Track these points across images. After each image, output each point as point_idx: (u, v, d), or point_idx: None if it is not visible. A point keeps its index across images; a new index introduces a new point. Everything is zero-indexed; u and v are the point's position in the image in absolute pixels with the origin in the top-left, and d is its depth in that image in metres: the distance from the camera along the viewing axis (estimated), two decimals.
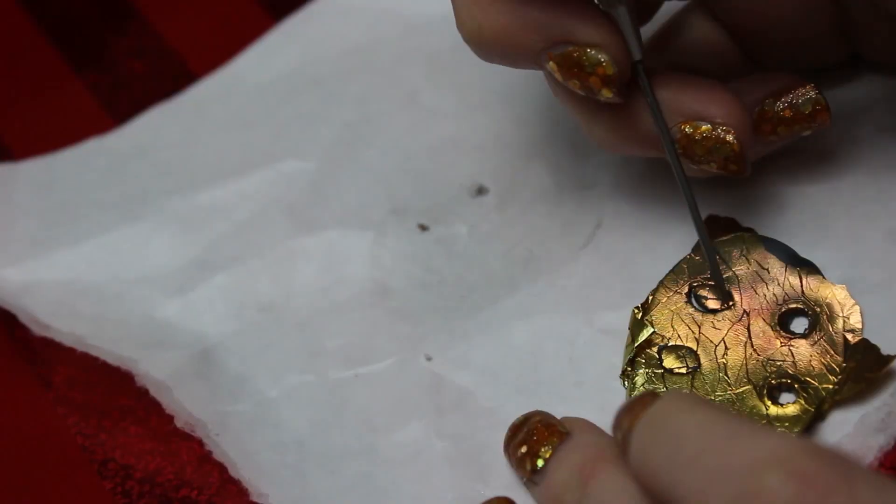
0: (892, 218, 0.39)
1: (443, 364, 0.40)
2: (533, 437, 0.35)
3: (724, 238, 0.39)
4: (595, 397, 0.38)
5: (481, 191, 0.44)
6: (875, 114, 0.41)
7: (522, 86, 0.45)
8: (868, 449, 0.35)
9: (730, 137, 0.36)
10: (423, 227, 0.43)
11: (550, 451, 0.34)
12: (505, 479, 0.37)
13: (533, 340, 0.40)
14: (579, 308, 0.40)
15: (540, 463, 0.34)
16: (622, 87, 0.36)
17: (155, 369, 0.41)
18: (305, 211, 0.44)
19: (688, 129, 0.36)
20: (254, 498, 0.38)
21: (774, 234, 0.39)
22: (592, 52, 0.35)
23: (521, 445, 0.35)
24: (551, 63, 0.35)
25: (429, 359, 0.40)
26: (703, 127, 0.36)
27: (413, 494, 0.37)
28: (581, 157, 0.43)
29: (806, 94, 0.37)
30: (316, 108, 0.47)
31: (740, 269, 0.38)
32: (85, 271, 0.44)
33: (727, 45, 0.39)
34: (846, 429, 0.35)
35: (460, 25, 0.36)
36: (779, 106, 0.37)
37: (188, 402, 0.40)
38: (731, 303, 0.38)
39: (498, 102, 0.45)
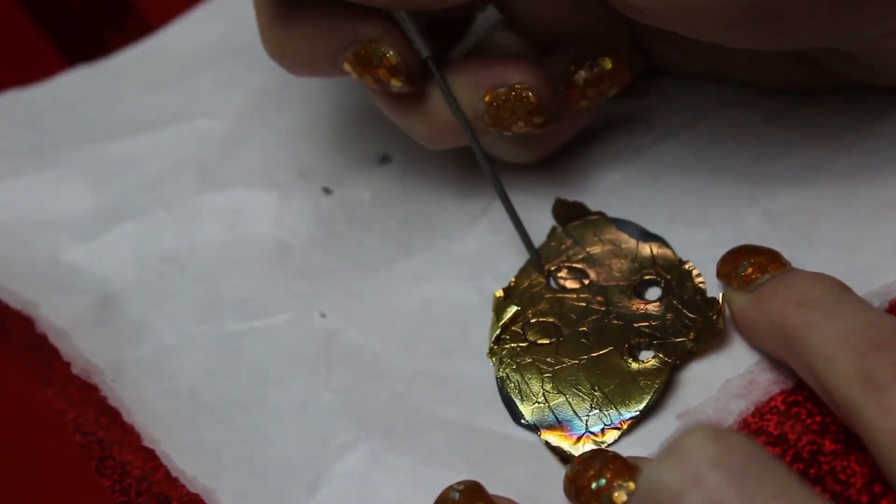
0: (770, 200, 0.41)
1: (336, 321, 0.41)
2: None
3: (577, 223, 0.41)
4: (477, 358, 0.39)
5: (385, 159, 0.45)
6: (763, 102, 0.43)
7: None
8: (729, 413, 0.36)
9: (526, 93, 0.38)
10: (327, 191, 0.44)
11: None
12: (383, 427, 0.38)
13: (423, 303, 0.41)
14: (470, 275, 0.41)
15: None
16: (411, 76, 0.38)
17: (55, 315, 0.42)
18: (214, 169, 0.45)
19: (489, 98, 0.38)
20: (145, 443, 0.39)
21: (660, 217, 0.41)
22: (377, 47, 0.38)
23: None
24: (346, 64, 0.38)
25: (323, 316, 0.41)
26: (502, 91, 0.38)
27: (298, 443, 0.38)
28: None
29: (604, 51, 0.40)
30: (234, 73, 0.48)
31: (595, 249, 0.40)
32: None
33: (529, 54, 0.42)
34: (710, 392, 0.37)
35: (266, 45, 0.39)
36: (581, 71, 0.40)
37: (86, 349, 0.41)
38: (586, 281, 0.40)
39: None
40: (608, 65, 0.39)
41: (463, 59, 0.40)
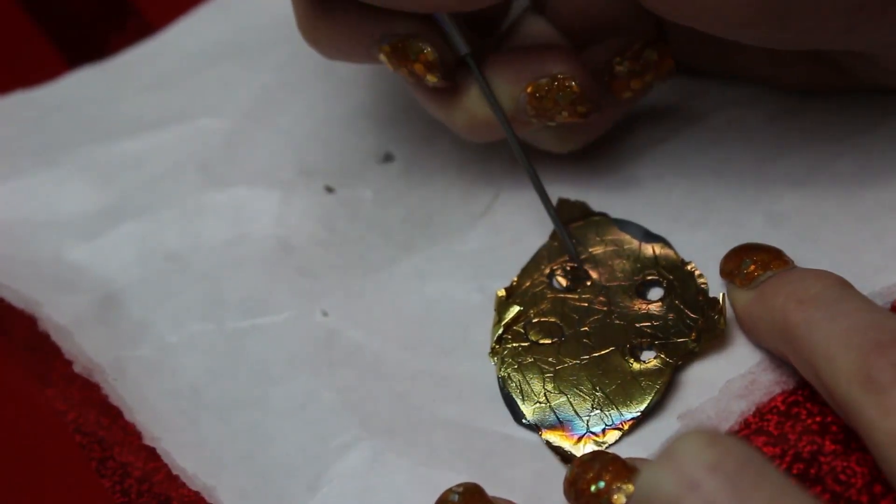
0: (772, 201, 0.41)
1: (337, 320, 0.41)
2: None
3: (579, 224, 0.41)
4: (478, 358, 0.39)
5: (388, 157, 0.45)
6: (765, 103, 0.43)
7: None
8: (730, 413, 0.36)
9: (569, 83, 0.38)
10: (330, 189, 0.44)
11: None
12: (384, 426, 0.38)
13: (425, 302, 0.41)
14: (472, 274, 0.41)
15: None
16: (448, 73, 0.38)
17: (57, 313, 0.42)
18: (217, 167, 0.45)
19: (531, 90, 0.38)
20: (146, 441, 0.39)
21: (662, 217, 0.41)
22: (414, 42, 0.38)
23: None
24: (382, 55, 0.38)
25: (325, 314, 0.41)
26: (544, 81, 0.38)
27: (299, 442, 0.38)
28: None
29: (649, 43, 0.39)
30: (237, 72, 0.48)
31: (597, 249, 0.40)
32: None
33: (568, 45, 0.41)
34: (711, 392, 0.37)
35: (300, 30, 0.39)
36: (626, 60, 0.39)
37: (88, 347, 0.41)
38: (588, 282, 0.40)
39: None
40: (653, 56, 0.39)
41: (502, 53, 0.40)
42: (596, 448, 0.36)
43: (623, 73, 0.39)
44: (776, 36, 0.36)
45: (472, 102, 0.39)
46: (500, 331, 0.39)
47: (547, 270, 0.40)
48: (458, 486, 0.35)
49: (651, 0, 0.35)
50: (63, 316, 0.42)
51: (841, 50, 0.38)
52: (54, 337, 0.41)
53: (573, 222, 0.41)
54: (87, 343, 0.41)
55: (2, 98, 0.49)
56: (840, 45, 0.37)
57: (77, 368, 0.41)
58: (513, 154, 0.43)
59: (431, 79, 0.38)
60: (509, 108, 0.39)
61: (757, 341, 0.37)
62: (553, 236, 0.41)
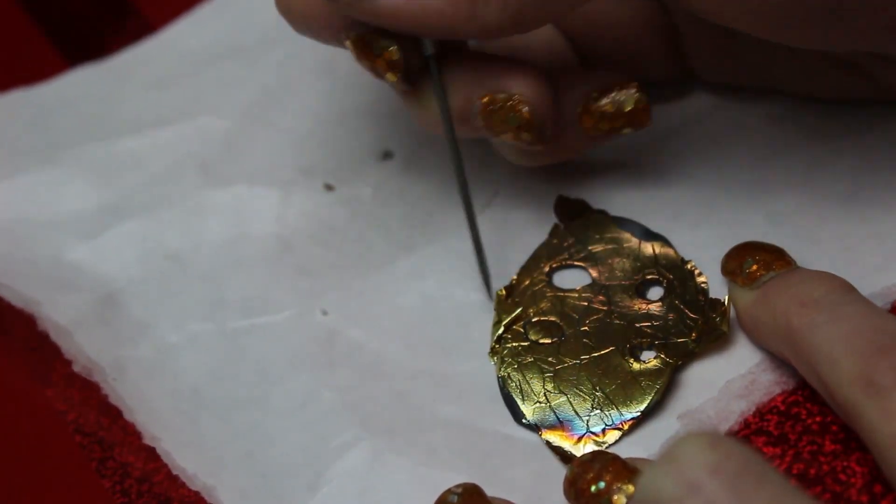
0: (772, 201, 0.41)
1: (337, 319, 0.41)
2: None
3: (579, 221, 0.41)
4: (478, 358, 0.39)
5: (387, 155, 0.45)
6: (764, 102, 0.43)
7: None
8: (730, 413, 0.36)
9: (521, 106, 0.37)
10: (329, 187, 0.44)
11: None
12: (384, 426, 0.38)
13: (424, 301, 0.41)
14: (472, 273, 0.41)
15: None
16: (408, 74, 0.37)
17: (57, 313, 0.42)
18: (217, 166, 0.45)
19: (486, 100, 0.37)
20: (146, 441, 0.39)
21: (662, 216, 0.41)
22: (381, 38, 0.37)
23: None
24: (348, 42, 0.37)
25: (325, 313, 0.41)
26: (500, 97, 0.37)
27: (299, 442, 0.38)
28: None
29: (629, 92, 0.38)
30: (237, 72, 0.48)
31: (596, 247, 0.40)
32: None
33: (564, 49, 0.41)
34: (711, 392, 0.37)
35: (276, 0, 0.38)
36: (602, 101, 0.38)
37: (88, 347, 0.41)
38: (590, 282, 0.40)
39: None
40: (628, 107, 0.38)
41: (477, 54, 0.39)
42: (596, 448, 0.36)
43: (595, 113, 0.39)
44: (824, 34, 0.35)
45: (428, 99, 0.38)
46: (500, 330, 0.39)
47: (546, 269, 0.40)
48: (458, 486, 0.35)
49: (695, 2, 0.35)
50: (63, 315, 0.42)
51: (881, 54, 0.38)
52: (54, 337, 0.42)
53: (572, 219, 0.41)
54: (86, 343, 0.41)
55: (1, 96, 0.49)
56: (883, 45, 0.36)
57: (77, 368, 0.41)
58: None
59: (391, 77, 0.37)
60: (462, 109, 0.38)
61: (758, 342, 0.37)
62: (552, 234, 0.41)
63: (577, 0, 0.35)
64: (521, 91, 0.37)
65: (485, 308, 0.40)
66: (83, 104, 0.48)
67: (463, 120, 0.38)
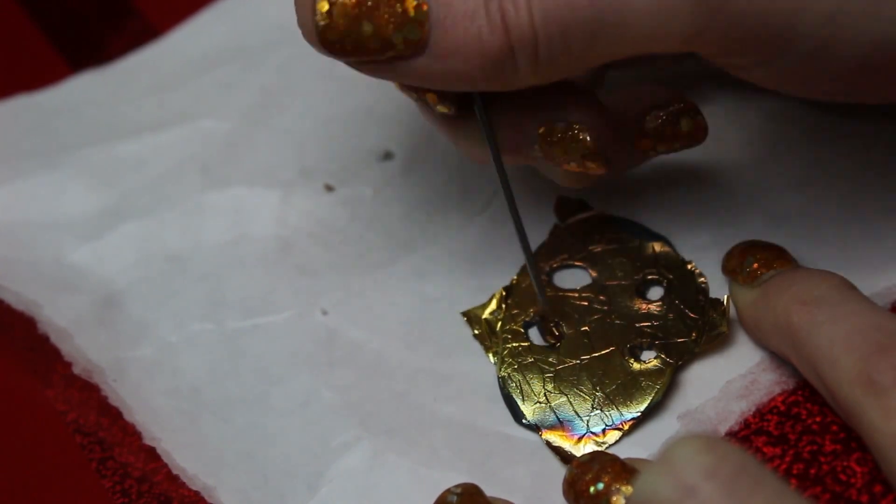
0: (772, 201, 0.41)
1: (337, 319, 0.41)
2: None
3: (579, 221, 0.41)
4: (478, 357, 0.39)
5: (388, 156, 0.45)
6: (764, 101, 0.43)
7: None
8: (730, 413, 0.36)
9: (583, 135, 0.36)
10: (330, 188, 0.44)
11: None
12: (384, 425, 0.38)
13: (424, 301, 0.41)
14: (471, 272, 0.41)
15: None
16: (455, 102, 0.36)
17: (58, 315, 0.42)
18: (218, 168, 0.45)
19: (543, 131, 0.36)
20: (146, 442, 0.39)
21: (663, 216, 0.41)
22: None
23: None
24: None
25: (324, 313, 0.41)
26: (559, 126, 0.36)
27: (299, 441, 0.38)
28: None
29: (685, 112, 0.37)
30: (237, 74, 0.48)
31: (597, 247, 0.40)
32: None
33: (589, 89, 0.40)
34: (711, 393, 0.37)
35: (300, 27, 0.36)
36: (658, 123, 0.37)
37: (88, 349, 0.41)
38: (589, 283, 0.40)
39: None
40: (686, 127, 0.37)
41: None
42: (596, 448, 0.36)
43: (653, 133, 0.37)
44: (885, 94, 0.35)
45: (474, 130, 0.37)
46: (499, 330, 0.39)
47: (546, 268, 0.40)
48: (457, 486, 0.35)
49: (758, 78, 0.34)
50: (63, 318, 0.42)
51: None
52: (54, 339, 0.42)
53: (572, 219, 0.41)
54: (87, 344, 0.41)
55: (4, 101, 0.49)
56: None
57: (77, 370, 0.41)
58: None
59: (442, 109, 0.36)
60: (515, 140, 0.37)
61: (758, 340, 0.37)
62: (552, 234, 0.41)
63: (606, 55, 0.34)
64: (580, 118, 0.36)
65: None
66: (85, 109, 0.48)
67: (514, 151, 0.37)
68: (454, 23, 0.32)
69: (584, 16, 0.32)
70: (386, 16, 0.32)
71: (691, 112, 0.37)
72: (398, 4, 0.32)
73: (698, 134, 0.37)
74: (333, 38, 0.33)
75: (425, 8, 0.32)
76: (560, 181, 0.39)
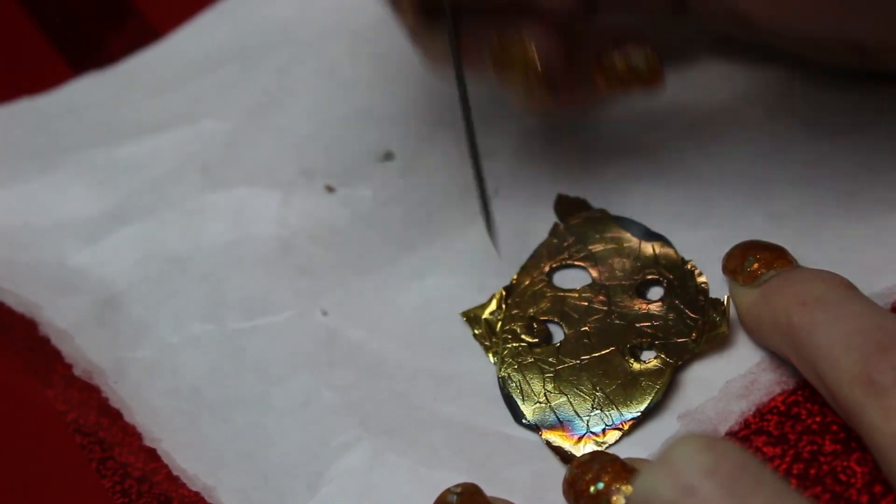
0: (773, 200, 0.41)
1: (337, 319, 0.41)
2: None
3: (579, 220, 0.41)
4: (478, 358, 0.39)
5: (388, 156, 0.45)
6: (764, 97, 0.43)
7: None
8: (730, 413, 0.36)
9: (530, 48, 0.36)
10: (330, 189, 0.44)
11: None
12: (384, 425, 0.38)
13: (425, 301, 0.41)
14: (471, 272, 0.41)
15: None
16: (424, 20, 0.36)
17: (58, 317, 0.42)
18: (218, 169, 0.45)
19: (494, 38, 0.36)
20: (147, 443, 0.39)
21: (663, 215, 0.41)
22: None
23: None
24: None
25: (325, 313, 0.41)
26: (511, 40, 0.36)
27: (299, 442, 0.38)
28: (484, 127, 0.44)
29: (643, 52, 0.37)
30: (237, 75, 0.48)
31: (597, 247, 0.40)
32: (0, 217, 0.45)
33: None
34: (711, 393, 0.37)
35: None
36: (615, 59, 0.37)
37: (89, 350, 0.41)
38: (590, 283, 0.40)
39: (412, 75, 0.47)
40: (641, 68, 0.37)
41: None
42: (596, 448, 0.36)
43: (608, 70, 0.38)
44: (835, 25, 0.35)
45: (439, 37, 0.37)
46: (499, 330, 0.39)
47: (546, 268, 0.40)
48: (457, 486, 0.35)
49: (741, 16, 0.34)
50: (64, 319, 0.42)
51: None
52: (54, 341, 0.42)
53: (572, 218, 0.41)
54: (87, 346, 0.41)
55: (6, 105, 0.49)
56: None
57: (77, 371, 0.41)
58: (513, 150, 0.44)
59: (406, 19, 0.37)
60: (473, 47, 0.37)
61: (758, 340, 0.37)
62: (552, 233, 0.41)
63: None
64: (534, 33, 0.36)
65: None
66: (86, 111, 0.48)
67: (473, 59, 0.37)
68: None
69: None
70: None
71: (647, 53, 0.37)
72: None
73: (654, 78, 0.37)
74: None
75: None
76: (520, 105, 0.39)
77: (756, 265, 0.37)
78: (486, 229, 0.39)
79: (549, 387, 0.38)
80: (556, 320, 0.39)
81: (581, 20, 0.38)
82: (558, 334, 0.39)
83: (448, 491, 0.34)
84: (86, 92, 0.49)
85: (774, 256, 0.37)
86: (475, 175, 0.38)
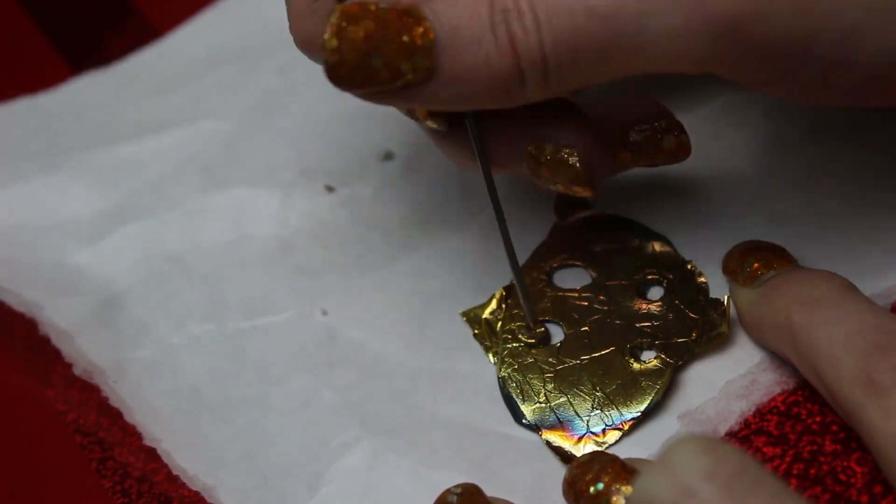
0: (773, 200, 0.41)
1: (337, 319, 0.41)
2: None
3: (579, 220, 0.41)
4: (478, 358, 0.39)
5: (388, 156, 0.45)
6: (765, 98, 0.43)
7: None
8: (730, 413, 0.36)
9: (572, 160, 0.35)
10: (330, 189, 0.44)
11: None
12: (384, 425, 0.38)
13: (424, 300, 0.41)
14: (471, 272, 0.41)
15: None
16: (445, 117, 0.36)
17: (59, 317, 0.42)
18: (219, 169, 0.45)
19: (532, 151, 0.36)
20: (147, 443, 0.39)
21: (663, 215, 0.41)
22: None
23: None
24: None
25: (325, 313, 0.41)
26: (548, 148, 0.35)
27: (299, 442, 0.38)
28: None
29: (670, 129, 0.37)
30: (238, 75, 0.48)
31: (597, 247, 0.40)
32: (1, 217, 0.45)
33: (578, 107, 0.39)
34: (711, 392, 0.37)
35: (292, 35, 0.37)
36: (642, 138, 0.37)
37: (89, 350, 0.41)
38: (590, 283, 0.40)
39: None
40: (669, 145, 0.37)
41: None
42: (596, 448, 0.36)
43: (634, 147, 0.37)
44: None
45: (466, 144, 0.37)
46: (499, 330, 0.39)
47: (546, 268, 0.40)
48: (457, 486, 0.35)
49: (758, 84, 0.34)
50: (64, 319, 0.42)
51: None
52: (55, 341, 0.42)
53: (572, 218, 0.41)
54: (88, 346, 0.41)
55: (6, 104, 0.49)
56: None
57: (77, 371, 0.41)
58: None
59: (432, 125, 0.36)
60: (504, 155, 0.36)
61: (759, 340, 0.37)
62: (552, 233, 0.41)
63: (617, 73, 0.33)
64: (570, 141, 0.35)
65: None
66: (87, 111, 0.48)
67: (503, 165, 0.37)
68: (462, 48, 0.32)
69: (596, 38, 0.32)
70: (394, 46, 0.32)
71: (675, 129, 0.37)
72: (405, 34, 0.32)
73: (681, 152, 0.37)
74: (344, 74, 0.33)
75: (432, 35, 0.32)
76: (546, 188, 0.38)
77: (756, 265, 0.37)
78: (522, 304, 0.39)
79: (549, 387, 0.38)
80: (556, 320, 0.39)
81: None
82: (558, 334, 0.39)
83: (448, 491, 0.34)
84: (86, 91, 0.49)
85: (774, 256, 0.37)
86: (511, 265, 0.38)
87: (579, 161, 0.35)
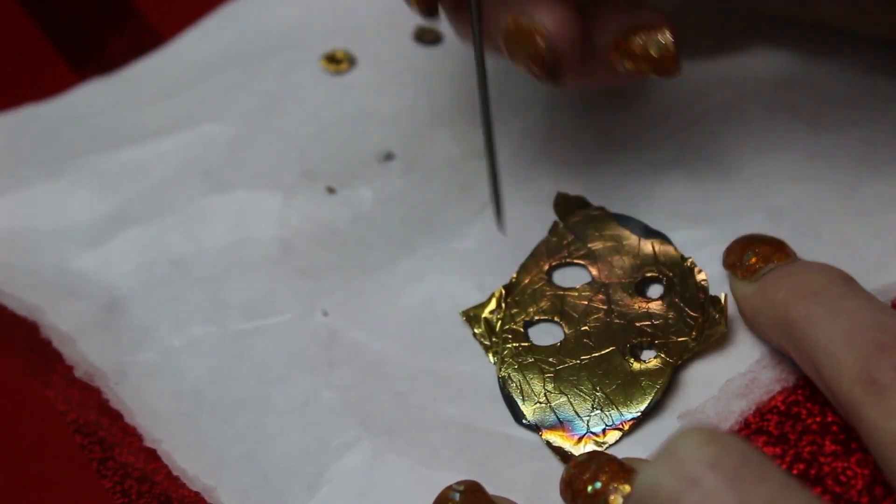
0: (772, 196, 0.41)
1: (338, 320, 0.41)
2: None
3: (578, 218, 0.41)
4: (479, 358, 0.39)
5: (389, 157, 0.45)
6: (766, 92, 0.43)
7: (437, 61, 0.47)
8: (731, 412, 0.36)
9: (537, 36, 0.35)
10: (331, 190, 0.44)
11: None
12: (384, 426, 0.38)
13: (425, 301, 0.41)
14: (471, 271, 0.41)
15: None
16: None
17: (60, 321, 0.42)
18: (220, 172, 0.45)
19: (507, 22, 0.35)
20: (147, 444, 0.39)
21: (662, 213, 0.41)
22: None
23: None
24: None
25: (325, 314, 0.41)
26: (522, 21, 0.35)
27: (299, 442, 0.38)
28: None
29: (660, 35, 0.36)
30: (240, 79, 0.49)
31: (596, 245, 0.40)
32: (2, 222, 0.45)
33: None
34: (711, 392, 0.37)
35: None
36: (632, 41, 0.36)
37: (90, 353, 0.41)
38: (589, 280, 0.40)
39: (412, 76, 0.47)
40: (656, 52, 0.36)
41: None
42: (596, 448, 0.36)
43: (624, 50, 0.36)
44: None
45: (465, 21, 0.37)
46: (499, 329, 0.39)
47: (546, 266, 0.40)
48: (459, 483, 0.35)
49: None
50: (66, 323, 0.42)
51: None
52: (56, 344, 0.42)
53: (571, 216, 0.41)
54: (89, 349, 0.41)
55: (10, 113, 0.49)
56: None
57: (78, 373, 0.41)
58: (512, 149, 0.43)
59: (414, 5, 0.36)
60: (490, 27, 0.36)
61: (758, 334, 0.37)
62: (552, 232, 0.41)
63: None
64: (543, 20, 0.35)
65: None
66: (89, 117, 0.48)
67: (490, 39, 0.36)
68: None
69: None
70: None
71: (665, 37, 0.36)
72: None
73: (668, 63, 0.36)
74: None
75: None
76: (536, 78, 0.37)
77: (755, 259, 0.37)
78: (494, 213, 0.39)
79: (550, 387, 0.38)
80: (556, 319, 0.39)
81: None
82: (558, 334, 0.39)
83: (450, 488, 0.34)
84: (89, 97, 0.49)
85: (773, 250, 0.37)
86: (487, 150, 0.37)
87: (543, 38, 0.35)
